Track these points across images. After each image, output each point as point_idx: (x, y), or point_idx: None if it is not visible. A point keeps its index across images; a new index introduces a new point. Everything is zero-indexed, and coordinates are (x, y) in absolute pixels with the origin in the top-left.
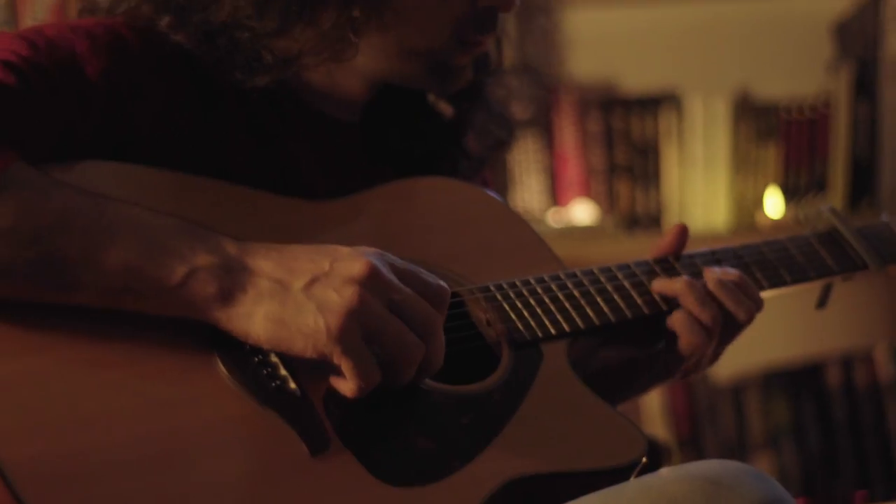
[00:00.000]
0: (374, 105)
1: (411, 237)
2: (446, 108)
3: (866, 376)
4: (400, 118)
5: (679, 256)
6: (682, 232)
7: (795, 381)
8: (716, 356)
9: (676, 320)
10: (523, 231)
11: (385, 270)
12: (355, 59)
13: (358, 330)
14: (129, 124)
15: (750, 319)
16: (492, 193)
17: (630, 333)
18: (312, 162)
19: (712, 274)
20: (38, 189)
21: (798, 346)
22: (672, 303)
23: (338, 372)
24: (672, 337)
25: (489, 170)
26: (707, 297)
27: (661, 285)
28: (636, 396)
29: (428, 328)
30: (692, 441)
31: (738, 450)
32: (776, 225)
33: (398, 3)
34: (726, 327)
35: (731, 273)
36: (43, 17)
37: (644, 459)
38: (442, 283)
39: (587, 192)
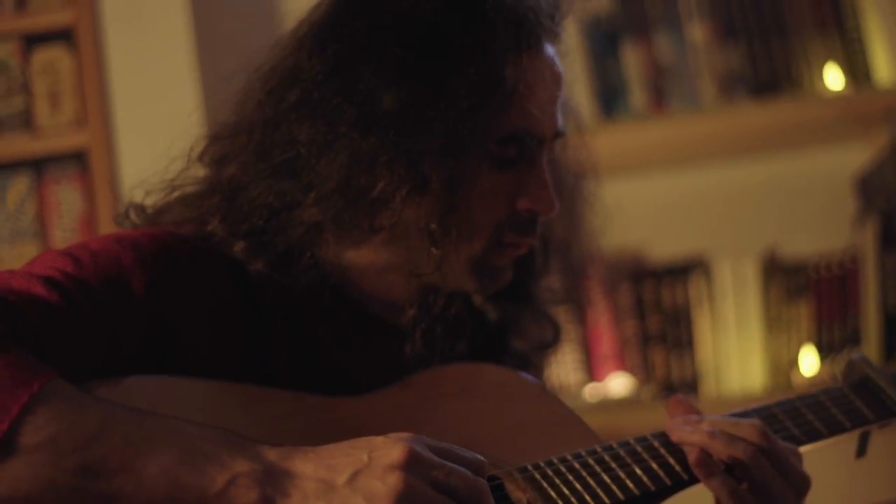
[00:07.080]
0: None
1: (447, 425)
2: (492, 311)
3: None
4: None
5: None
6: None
7: None
8: None
9: (710, 484)
10: (558, 408)
11: (423, 451)
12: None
13: None
14: (176, 335)
15: (758, 464)
16: (524, 375)
17: None
18: (363, 365)
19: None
20: (77, 402)
21: (842, 499)
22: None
23: None
24: None
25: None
26: (723, 439)
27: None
28: None
29: (476, 496)
30: None
31: None
32: (813, 383)
33: (462, 210)
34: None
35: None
36: (72, 228)
37: None
38: (478, 455)
39: (622, 364)
